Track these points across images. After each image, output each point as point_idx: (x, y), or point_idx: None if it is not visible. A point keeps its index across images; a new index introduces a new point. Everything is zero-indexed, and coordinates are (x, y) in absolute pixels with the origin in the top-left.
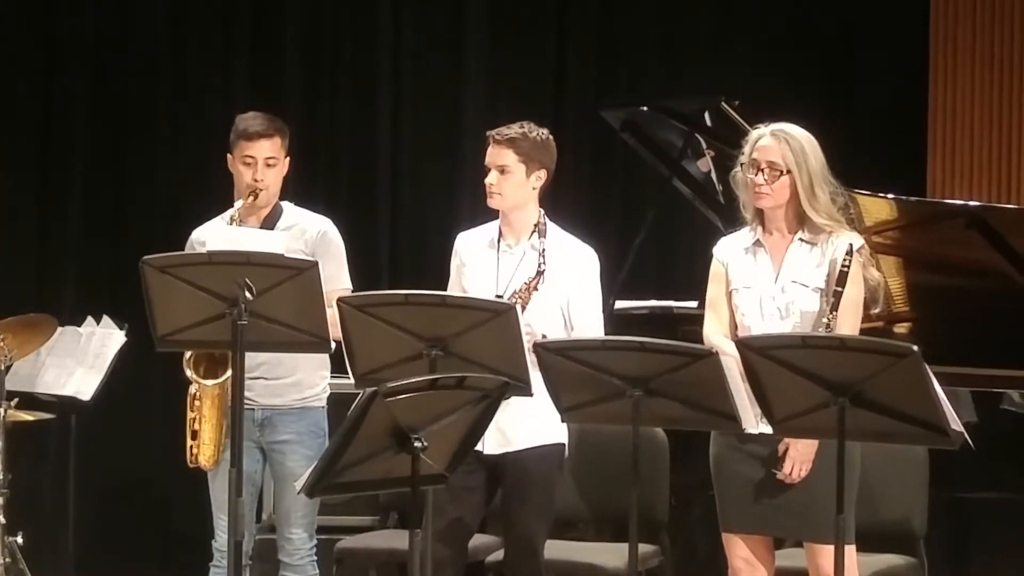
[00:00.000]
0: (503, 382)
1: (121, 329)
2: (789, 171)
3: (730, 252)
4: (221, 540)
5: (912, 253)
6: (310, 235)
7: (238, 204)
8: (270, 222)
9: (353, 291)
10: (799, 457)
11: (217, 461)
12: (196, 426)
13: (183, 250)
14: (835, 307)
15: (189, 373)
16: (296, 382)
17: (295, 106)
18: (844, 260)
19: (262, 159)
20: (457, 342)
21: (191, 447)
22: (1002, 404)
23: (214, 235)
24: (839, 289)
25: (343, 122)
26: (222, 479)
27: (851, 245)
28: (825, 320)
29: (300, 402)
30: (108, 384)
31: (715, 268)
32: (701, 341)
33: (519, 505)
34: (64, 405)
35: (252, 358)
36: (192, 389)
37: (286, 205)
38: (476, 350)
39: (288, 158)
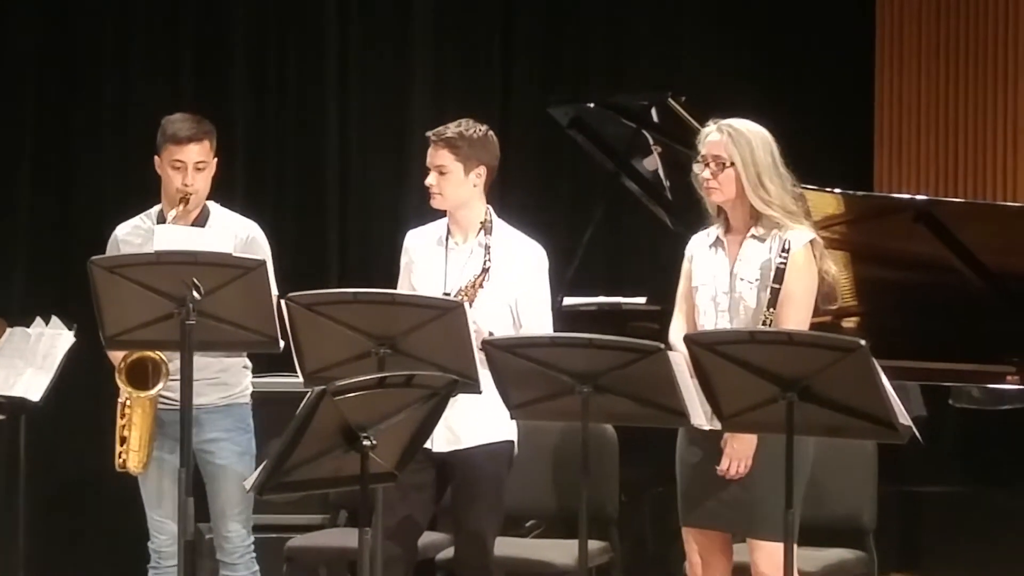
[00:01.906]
0: (451, 380)
1: (70, 329)
2: (732, 163)
3: (695, 247)
4: (158, 541)
5: (860, 247)
6: (239, 239)
7: (171, 214)
8: (199, 224)
9: (281, 293)
10: (734, 454)
11: (145, 465)
12: (125, 432)
13: (106, 249)
14: (772, 303)
15: (122, 386)
16: (220, 381)
17: (242, 106)
18: (780, 256)
19: (192, 163)
20: (406, 340)
21: (119, 453)
22: (952, 400)
23: (163, 235)
24: (775, 286)
25: (290, 121)
26: (151, 482)
27: (787, 242)
28: (762, 317)
29: (225, 400)
30: (58, 385)
31: (684, 264)
32: (650, 337)
33: (468, 503)
34: (13, 406)
35: (178, 358)
36: (122, 398)
37: (213, 206)
38: (425, 348)
39: (216, 159)
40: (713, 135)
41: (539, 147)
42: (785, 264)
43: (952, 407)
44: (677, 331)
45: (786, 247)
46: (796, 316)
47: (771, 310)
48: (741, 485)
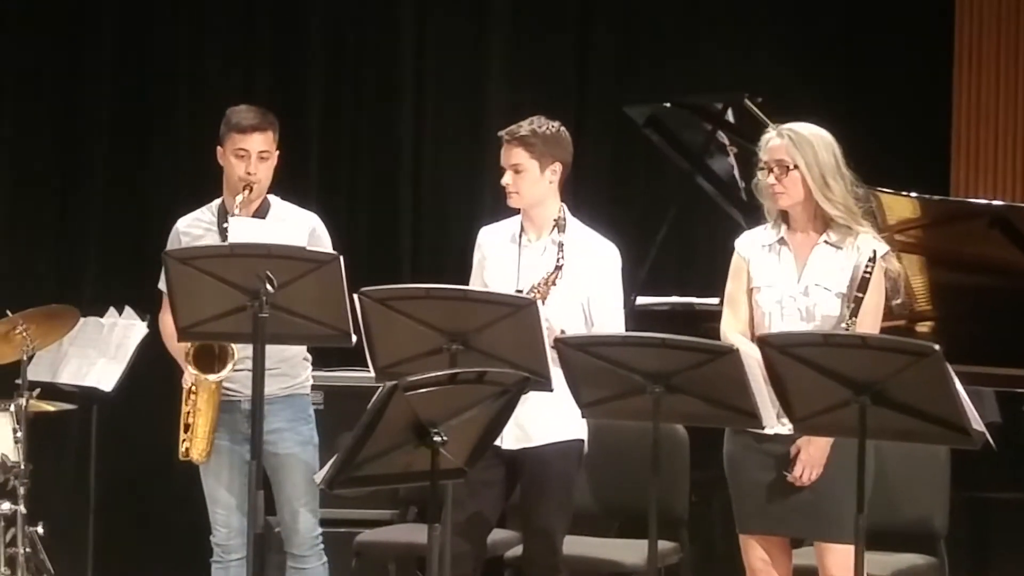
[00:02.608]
0: (523, 377)
1: (143, 320)
2: (796, 166)
3: (752, 248)
4: (220, 534)
5: (935, 252)
6: (299, 231)
7: (238, 199)
8: (259, 215)
9: (354, 288)
10: (810, 461)
11: (208, 455)
12: (190, 420)
13: (168, 241)
14: (855, 312)
15: (190, 368)
16: (281, 372)
17: (318, 103)
18: (867, 266)
19: (255, 152)
20: (478, 336)
21: (183, 440)
22: None
23: (238, 227)
24: (860, 295)
25: (365, 117)
26: (215, 473)
27: (874, 252)
28: (844, 325)
29: (286, 390)
30: (129, 375)
31: (736, 262)
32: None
33: (538, 500)
34: (86, 396)
35: (238, 350)
36: (187, 383)
37: (274, 199)
38: (497, 345)
39: (279, 151)
40: (774, 140)
41: (614, 145)
42: (870, 274)
43: (1022, 413)
44: (730, 329)
45: (873, 256)
46: (867, 325)
47: (853, 319)
48: (811, 489)
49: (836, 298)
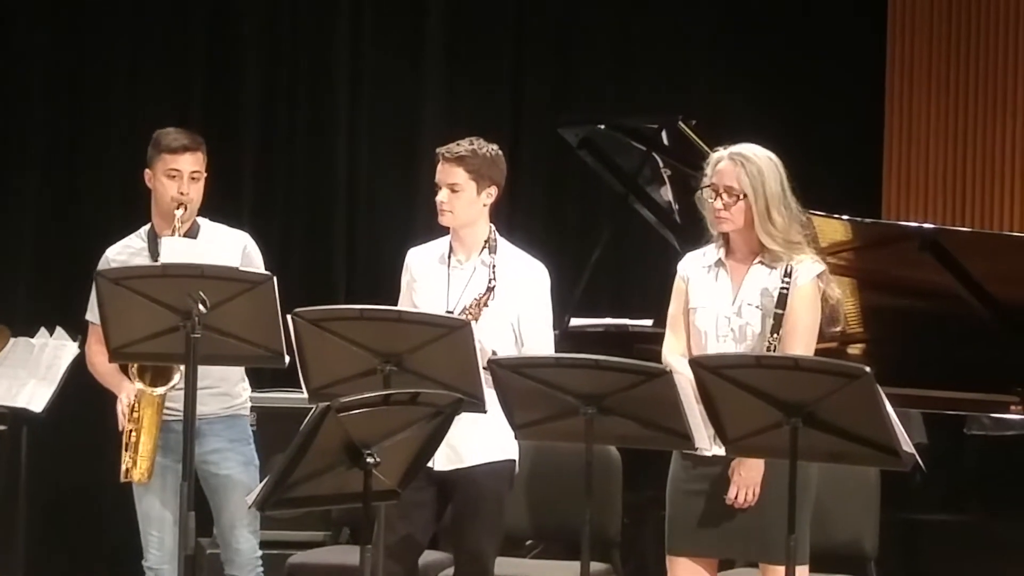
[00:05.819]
0: (456, 398)
1: (74, 341)
2: (746, 195)
3: (692, 269)
4: (153, 558)
5: (866, 274)
6: (231, 251)
7: (177, 213)
8: (190, 237)
9: (288, 309)
10: (742, 483)
11: (150, 476)
12: (132, 438)
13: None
14: (775, 328)
15: (136, 383)
16: (221, 391)
17: (252, 122)
18: (783, 282)
19: (187, 172)
20: (411, 358)
21: (124, 460)
22: (967, 428)
23: (169, 248)
24: (779, 311)
25: (300, 138)
26: (152, 495)
27: (791, 267)
28: (767, 343)
29: (227, 410)
30: (60, 396)
31: (677, 284)
32: (656, 359)
33: (469, 522)
34: (16, 416)
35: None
36: (128, 401)
37: (203, 221)
38: (430, 366)
39: (206, 175)
40: (724, 163)
41: (548, 167)
42: (787, 290)
43: (950, 435)
44: (670, 351)
45: (789, 272)
46: (798, 345)
47: (775, 335)
48: (753, 511)
49: (762, 315)
